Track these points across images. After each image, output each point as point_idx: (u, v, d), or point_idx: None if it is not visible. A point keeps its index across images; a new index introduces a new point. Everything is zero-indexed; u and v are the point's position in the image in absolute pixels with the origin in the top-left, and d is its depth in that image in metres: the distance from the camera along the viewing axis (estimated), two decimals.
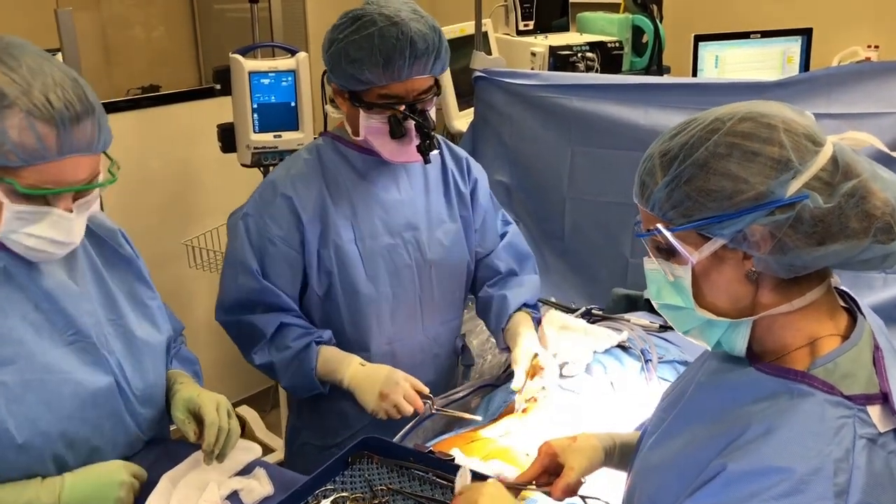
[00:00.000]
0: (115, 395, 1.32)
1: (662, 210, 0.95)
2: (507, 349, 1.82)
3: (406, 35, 1.56)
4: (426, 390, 1.64)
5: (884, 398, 0.88)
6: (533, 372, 1.69)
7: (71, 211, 1.20)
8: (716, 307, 0.97)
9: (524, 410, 1.64)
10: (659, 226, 0.96)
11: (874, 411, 0.87)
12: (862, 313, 0.98)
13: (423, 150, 1.65)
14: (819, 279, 0.95)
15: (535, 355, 1.71)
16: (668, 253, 0.98)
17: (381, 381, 1.61)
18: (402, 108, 1.62)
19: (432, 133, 1.66)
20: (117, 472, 1.27)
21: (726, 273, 0.95)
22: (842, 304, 0.99)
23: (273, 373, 1.73)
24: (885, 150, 1.02)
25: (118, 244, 1.43)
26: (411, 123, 1.63)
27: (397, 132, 1.63)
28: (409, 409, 1.60)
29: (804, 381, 0.90)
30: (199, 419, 1.36)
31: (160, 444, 1.44)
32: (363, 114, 1.64)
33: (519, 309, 1.84)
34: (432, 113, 1.67)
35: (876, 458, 0.84)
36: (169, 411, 1.43)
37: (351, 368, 1.66)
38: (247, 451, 1.42)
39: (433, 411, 1.63)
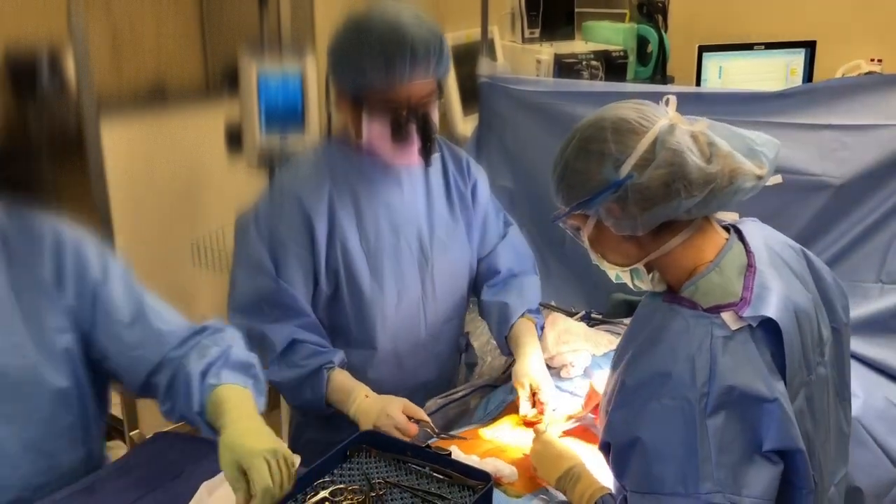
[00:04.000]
0: None
1: (558, 201, 1.25)
2: (511, 354, 1.83)
3: (407, 39, 1.58)
4: (425, 417, 1.63)
5: (738, 304, 1.12)
6: (533, 399, 1.69)
7: None
8: (616, 262, 1.26)
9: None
10: (557, 213, 1.25)
11: (727, 316, 1.12)
12: (743, 240, 1.22)
13: (424, 153, 1.68)
14: (684, 224, 1.19)
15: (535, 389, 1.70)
16: (574, 231, 1.28)
17: (374, 415, 1.60)
18: (404, 111, 1.64)
19: (433, 136, 1.68)
20: None
21: (610, 237, 1.23)
22: (726, 236, 1.23)
23: (281, 391, 1.74)
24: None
25: (39, 264, 1.31)
26: (413, 126, 1.65)
27: (399, 135, 1.64)
28: (403, 438, 1.59)
29: (675, 301, 1.17)
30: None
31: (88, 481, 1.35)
32: (365, 117, 1.66)
33: (522, 315, 1.85)
34: (435, 116, 1.69)
35: (732, 350, 1.10)
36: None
37: (356, 403, 1.65)
38: None
39: (433, 436, 1.61)
